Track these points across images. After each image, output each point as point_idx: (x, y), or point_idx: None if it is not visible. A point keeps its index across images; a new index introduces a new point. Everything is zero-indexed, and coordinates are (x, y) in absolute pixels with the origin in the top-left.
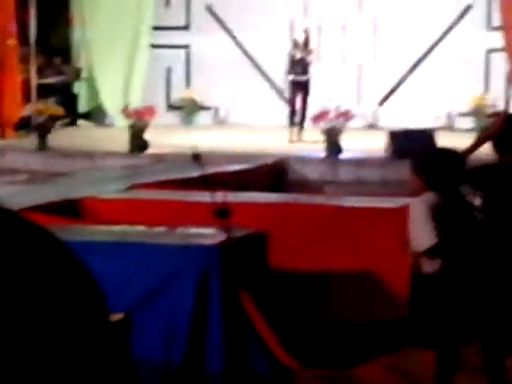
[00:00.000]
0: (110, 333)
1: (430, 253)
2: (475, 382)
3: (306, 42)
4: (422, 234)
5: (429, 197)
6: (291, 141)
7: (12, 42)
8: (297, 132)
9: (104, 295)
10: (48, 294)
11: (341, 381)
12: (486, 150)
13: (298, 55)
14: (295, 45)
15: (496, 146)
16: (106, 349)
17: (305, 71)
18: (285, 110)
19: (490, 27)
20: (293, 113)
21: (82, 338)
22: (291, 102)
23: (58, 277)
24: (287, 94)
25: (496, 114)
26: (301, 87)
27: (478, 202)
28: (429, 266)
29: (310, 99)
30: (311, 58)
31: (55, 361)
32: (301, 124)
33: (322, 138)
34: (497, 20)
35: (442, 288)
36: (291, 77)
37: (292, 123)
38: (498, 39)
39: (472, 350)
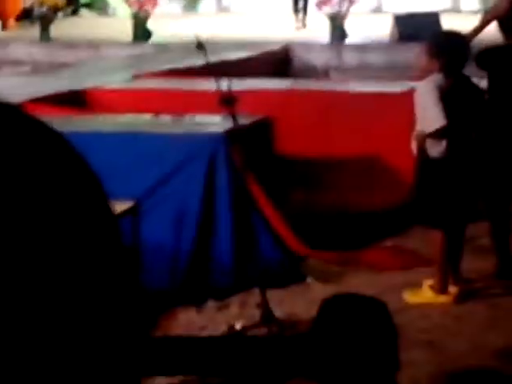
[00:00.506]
0: (111, 226)
1: (439, 134)
2: (483, 262)
3: None
4: (431, 114)
5: (437, 78)
6: (297, 28)
7: None
8: (301, 18)
9: (105, 190)
10: (45, 188)
11: (349, 263)
12: (493, 32)
13: None
14: None
15: (502, 27)
16: (106, 245)
17: None
18: None
19: None
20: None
21: (81, 233)
22: None
23: (56, 171)
24: None
25: None
26: None
27: (483, 83)
28: (435, 149)
29: None
30: None
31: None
32: (304, 10)
33: (326, 23)
34: None
35: (448, 169)
36: None
37: (296, 9)
38: None
39: (479, 231)
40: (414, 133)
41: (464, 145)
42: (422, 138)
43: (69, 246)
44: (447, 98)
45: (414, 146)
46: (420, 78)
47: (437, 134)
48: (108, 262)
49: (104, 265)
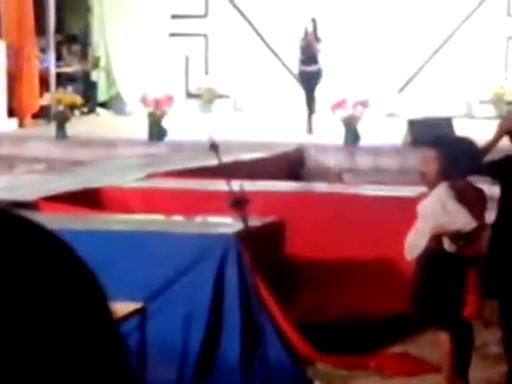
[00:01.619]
0: (107, 330)
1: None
2: (492, 371)
3: (315, 31)
4: (460, 214)
5: (446, 185)
6: (307, 132)
7: (30, 30)
8: (306, 122)
9: (106, 294)
10: (41, 293)
11: (357, 368)
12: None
13: (306, 45)
14: (305, 34)
15: None
16: (101, 348)
17: (314, 61)
18: (302, 97)
19: (509, 14)
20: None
21: (76, 336)
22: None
23: (52, 275)
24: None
25: None
26: (310, 77)
27: (497, 191)
28: (452, 245)
29: (325, 88)
30: (320, 48)
31: (49, 357)
32: (309, 115)
33: (340, 126)
34: None
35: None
36: (301, 67)
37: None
38: None
39: (490, 338)
40: (435, 227)
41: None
42: (443, 233)
43: (61, 357)
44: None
45: (422, 241)
46: (427, 183)
47: (464, 233)
48: (102, 369)
49: (98, 372)
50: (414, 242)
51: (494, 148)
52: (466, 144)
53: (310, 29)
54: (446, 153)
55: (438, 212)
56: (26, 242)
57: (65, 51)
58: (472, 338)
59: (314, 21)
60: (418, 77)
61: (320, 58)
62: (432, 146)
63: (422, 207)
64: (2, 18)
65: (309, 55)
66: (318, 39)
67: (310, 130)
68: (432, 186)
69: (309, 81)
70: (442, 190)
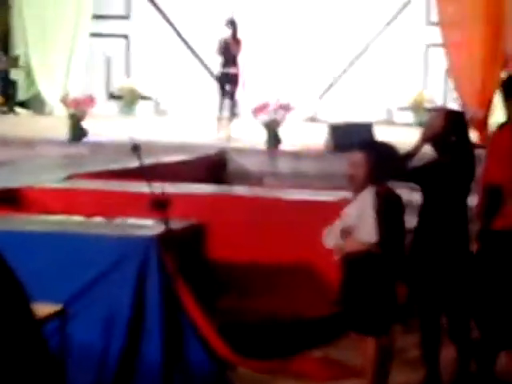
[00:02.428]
0: (26, 327)
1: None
2: (411, 375)
3: (234, 32)
4: (367, 226)
5: (373, 191)
6: (219, 138)
7: None
8: (225, 125)
9: (27, 294)
10: None
11: (277, 372)
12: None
13: (225, 46)
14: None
15: (436, 144)
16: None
17: (233, 63)
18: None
19: (429, 22)
20: (221, 105)
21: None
22: (221, 95)
23: None
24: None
25: (435, 110)
26: (229, 80)
27: (419, 198)
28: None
29: (248, 91)
30: (238, 49)
31: None
32: (230, 118)
33: (262, 130)
34: (436, 15)
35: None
36: (220, 68)
37: (220, 116)
38: (437, 34)
39: (408, 343)
40: (345, 227)
41: (395, 253)
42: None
43: None
44: (381, 210)
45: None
46: (352, 186)
47: (370, 247)
48: (27, 368)
49: (23, 371)
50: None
51: (416, 155)
52: (390, 149)
53: (229, 30)
54: (373, 156)
55: (354, 213)
56: None
57: None
58: (393, 345)
59: (233, 22)
60: (339, 82)
61: (239, 60)
62: (355, 150)
63: (348, 209)
64: None
65: (228, 57)
66: (237, 41)
67: (227, 136)
68: (359, 189)
69: (228, 83)
70: (367, 196)
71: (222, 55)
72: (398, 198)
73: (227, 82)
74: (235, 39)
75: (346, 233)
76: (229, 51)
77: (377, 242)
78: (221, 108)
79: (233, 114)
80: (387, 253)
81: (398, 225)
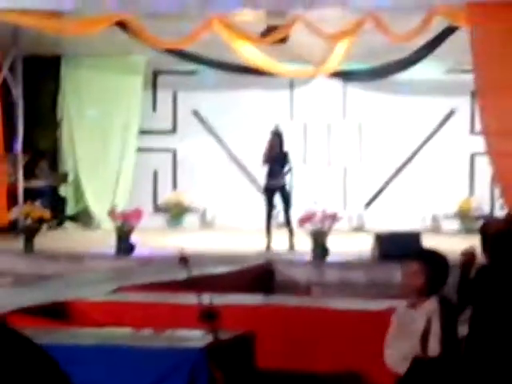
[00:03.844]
0: None
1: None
2: None
3: (280, 145)
4: (434, 341)
5: (436, 301)
6: (268, 249)
7: None
8: (288, 239)
9: None
10: None
11: None
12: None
13: (272, 158)
14: (270, 148)
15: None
16: None
17: (281, 174)
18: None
19: (473, 131)
20: (268, 220)
21: None
22: (268, 208)
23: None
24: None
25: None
26: (276, 193)
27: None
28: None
29: (294, 203)
30: (285, 161)
31: None
32: (290, 231)
33: (308, 240)
34: (479, 125)
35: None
36: (267, 180)
37: (269, 231)
38: (481, 143)
39: None
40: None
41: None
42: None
43: None
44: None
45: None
46: (404, 295)
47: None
48: None
49: None
50: (402, 355)
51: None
52: (445, 258)
53: (276, 142)
54: (432, 266)
55: (421, 328)
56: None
57: (33, 166)
58: None
59: (278, 134)
60: (386, 191)
61: (286, 171)
62: (408, 259)
63: (411, 319)
64: None
65: (275, 168)
66: (283, 152)
67: (291, 247)
68: (417, 298)
69: (276, 194)
70: (432, 307)
71: (268, 167)
72: (454, 306)
73: (275, 193)
74: (282, 151)
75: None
76: (275, 162)
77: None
78: (268, 219)
79: (288, 224)
80: (448, 366)
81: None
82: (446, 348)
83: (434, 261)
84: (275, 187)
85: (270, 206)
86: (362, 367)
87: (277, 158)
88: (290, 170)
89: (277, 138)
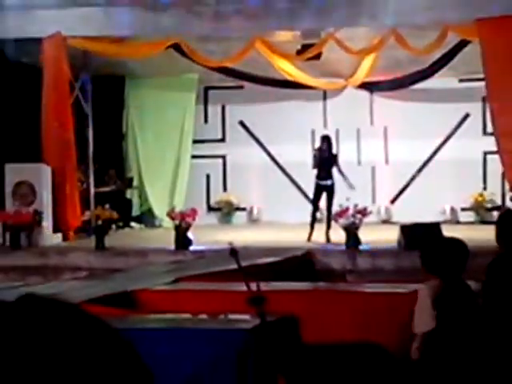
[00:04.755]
0: None
1: (427, 338)
2: None
3: (329, 148)
4: (421, 318)
5: (432, 284)
6: (309, 240)
7: (73, 158)
8: (325, 233)
9: (153, 378)
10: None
11: None
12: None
13: (321, 161)
14: (319, 151)
15: (500, 237)
16: None
17: (329, 175)
18: (308, 208)
19: (485, 132)
20: (314, 214)
21: None
22: (314, 205)
23: (111, 364)
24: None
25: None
26: (325, 191)
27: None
28: (415, 353)
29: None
30: (334, 163)
31: None
32: (328, 225)
33: (342, 232)
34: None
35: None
36: (316, 180)
37: (312, 224)
38: (492, 143)
39: None
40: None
41: (455, 348)
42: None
43: None
44: (439, 302)
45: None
46: (425, 280)
47: (425, 338)
48: None
49: None
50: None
51: None
52: (452, 243)
53: (325, 146)
54: (429, 253)
55: (415, 317)
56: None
57: (103, 174)
58: None
59: (327, 137)
60: (409, 188)
61: (334, 172)
62: (421, 248)
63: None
64: (47, 148)
65: (324, 170)
66: (333, 155)
67: (328, 240)
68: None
69: (324, 194)
70: (420, 293)
71: (317, 169)
72: (468, 291)
73: (323, 192)
74: (330, 153)
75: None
76: (325, 164)
77: (428, 331)
78: (313, 214)
79: (328, 219)
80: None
81: (464, 319)
82: (440, 325)
83: (430, 250)
84: (324, 187)
85: (316, 203)
86: (386, 340)
87: (326, 160)
88: (340, 172)
89: (326, 141)
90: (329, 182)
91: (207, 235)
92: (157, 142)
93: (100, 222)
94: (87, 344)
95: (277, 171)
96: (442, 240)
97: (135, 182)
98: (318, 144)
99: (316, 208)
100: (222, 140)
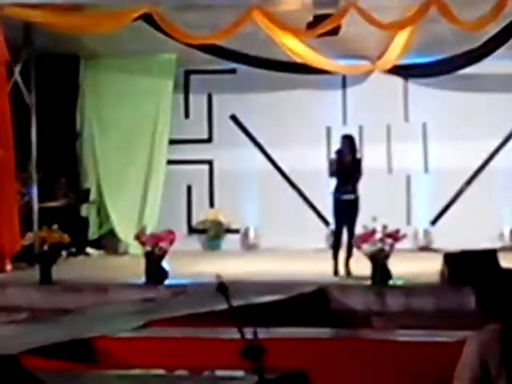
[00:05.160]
0: None
1: None
2: None
3: (353, 151)
4: (461, 380)
5: (489, 329)
6: (336, 274)
7: (5, 159)
8: (344, 263)
9: None
10: None
11: None
12: None
13: (342, 168)
14: (338, 155)
15: None
16: None
17: (353, 187)
18: (322, 230)
19: None
20: (337, 239)
21: None
22: (337, 226)
23: None
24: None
25: None
26: (347, 208)
27: None
28: None
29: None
30: (358, 171)
31: None
32: (348, 253)
33: (367, 262)
34: None
35: None
36: (336, 195)
37: (335, 254)
38: None
39: None
40: None
41: None
42: None
43: None
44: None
45: None
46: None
47: None
48: None
49: None
50: None
51: None
52: None
53: (347, 148)
54: (491, 290)
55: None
56: None
57: (49, 184)
58: None
59: (350, 137)
60: (455, 204)
61: (359, 183)
62: (475, 283)
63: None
64: None
65: (345, 180)
66: (357, 160)
67: (348, 272)
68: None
69: (345, 212)
70: (483, 338)
71: (337, 178)
72: None
73: (345, 208)
74: (354, 158)
75: None
76: (346, 172)
77: None
78: (336, 239)
79: (349, 244)
80: None
81: None
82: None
83: (491, 286)
84: (346, 201)
85: (339, 222)
86: None
87: (348, 167)
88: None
89: (348, 143)
90: (352, 196)
91: (188, 265)
92: (121, 143)
93: (46, 248)
94: None
95: (280, 181)
96: (503, 272)
97: (93, 195)
98: (336, 146)
99: (340, 231)
100: (209, 140)
